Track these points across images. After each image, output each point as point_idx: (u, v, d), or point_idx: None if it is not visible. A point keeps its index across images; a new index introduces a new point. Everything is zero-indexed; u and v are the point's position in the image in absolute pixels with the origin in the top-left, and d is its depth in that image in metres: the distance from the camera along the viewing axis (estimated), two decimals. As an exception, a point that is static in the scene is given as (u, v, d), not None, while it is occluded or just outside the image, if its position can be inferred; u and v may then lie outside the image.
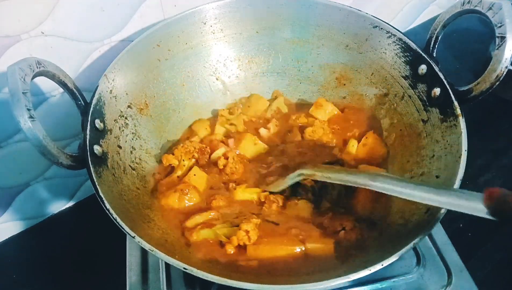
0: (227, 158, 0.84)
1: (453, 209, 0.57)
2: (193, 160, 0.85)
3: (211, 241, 0.73)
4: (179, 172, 0.84)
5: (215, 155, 0.86)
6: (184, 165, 0.84)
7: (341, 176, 0.71)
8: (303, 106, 1.00)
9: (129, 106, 0.83)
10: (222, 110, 0.96)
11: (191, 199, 0.79)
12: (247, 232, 0.70)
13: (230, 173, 0.84)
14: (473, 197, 0.55)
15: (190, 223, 0.76)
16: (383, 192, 0.65)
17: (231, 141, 0.90)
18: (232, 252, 0.71)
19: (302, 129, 0.93)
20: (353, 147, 0.88)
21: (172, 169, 0.85)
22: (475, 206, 0.54)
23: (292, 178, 0.78)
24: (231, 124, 0.94)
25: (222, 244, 0.72)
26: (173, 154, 0.85)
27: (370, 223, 0.76)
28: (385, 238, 0.72)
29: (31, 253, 0.95)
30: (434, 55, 0.80)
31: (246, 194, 0.81)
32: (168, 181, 0.83)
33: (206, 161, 0.86)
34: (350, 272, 0.56)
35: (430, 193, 0.60)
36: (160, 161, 0.86)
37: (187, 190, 0.79)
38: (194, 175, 0.82)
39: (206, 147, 0.87)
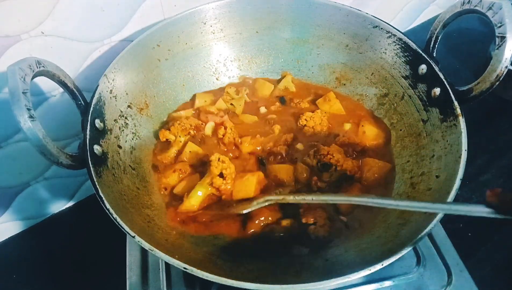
0: (225, 128, 0.86)
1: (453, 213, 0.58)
2: (189, 136, 0.87)
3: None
4: (175, 148, 0.86)
5: (207, 129, 0.89)
6: (180, 142, 0.86)
7: (317, 197, 0.72)
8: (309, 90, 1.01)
9: (129, 106, 0.83)
10: (229, 87, 0.97)
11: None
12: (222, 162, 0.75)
13: (228, 142, 0.86)
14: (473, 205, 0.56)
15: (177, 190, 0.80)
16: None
17: (226, 117, 0.91)
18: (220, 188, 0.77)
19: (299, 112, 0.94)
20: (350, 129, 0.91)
21: (169, 143, 0.87)
22: (476, 208, 0.55)
23: (258, 204, 0.76)
24: (231, 104, 0.95)
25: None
26: (169, 130, 0.86)
27: (344, 225, 0.76)
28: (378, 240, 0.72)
29: (31, 253, 0.95)
30: (434, 55, 0.80)
31: (250, 147, 0.85)
32: (165, 156, 0.85)
33: (202, 137, 0.89)
34: (350, 272, 0.56)
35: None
36: (157, 137, 0.87)
37: (184, 169, 0.82)
38: (190, 151, 0.84)
39: (201, 124, 0.89)
